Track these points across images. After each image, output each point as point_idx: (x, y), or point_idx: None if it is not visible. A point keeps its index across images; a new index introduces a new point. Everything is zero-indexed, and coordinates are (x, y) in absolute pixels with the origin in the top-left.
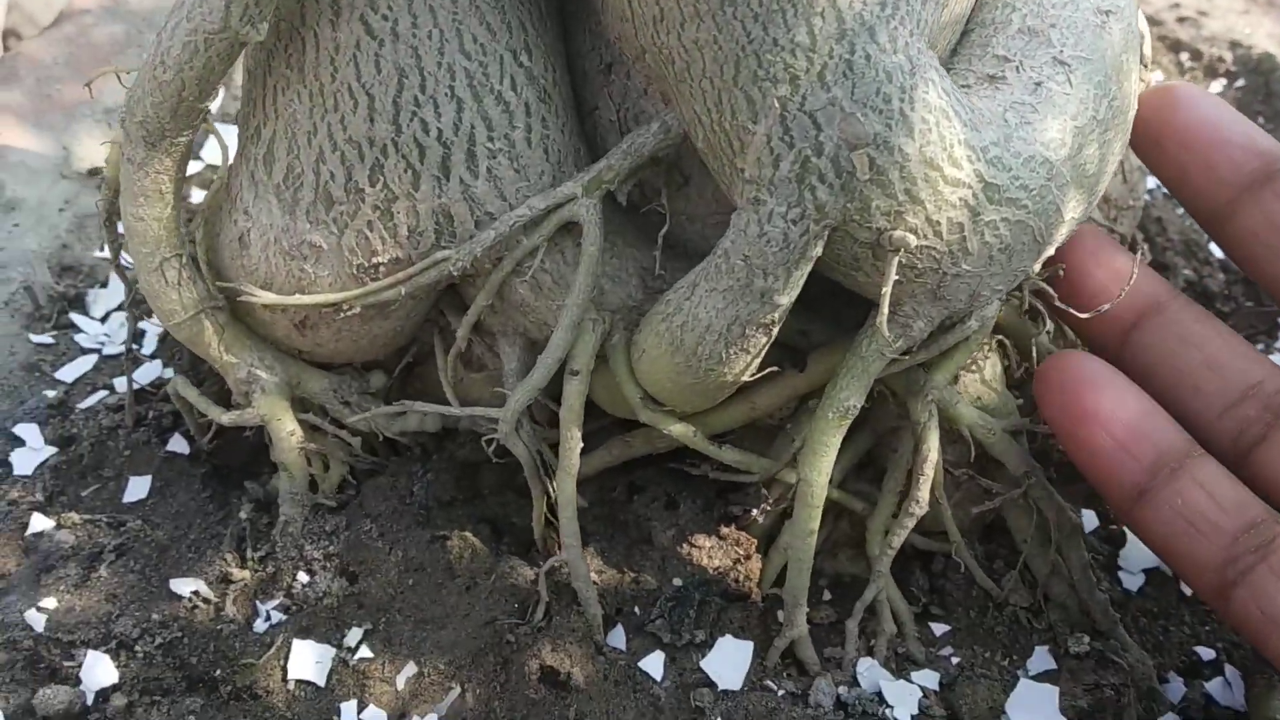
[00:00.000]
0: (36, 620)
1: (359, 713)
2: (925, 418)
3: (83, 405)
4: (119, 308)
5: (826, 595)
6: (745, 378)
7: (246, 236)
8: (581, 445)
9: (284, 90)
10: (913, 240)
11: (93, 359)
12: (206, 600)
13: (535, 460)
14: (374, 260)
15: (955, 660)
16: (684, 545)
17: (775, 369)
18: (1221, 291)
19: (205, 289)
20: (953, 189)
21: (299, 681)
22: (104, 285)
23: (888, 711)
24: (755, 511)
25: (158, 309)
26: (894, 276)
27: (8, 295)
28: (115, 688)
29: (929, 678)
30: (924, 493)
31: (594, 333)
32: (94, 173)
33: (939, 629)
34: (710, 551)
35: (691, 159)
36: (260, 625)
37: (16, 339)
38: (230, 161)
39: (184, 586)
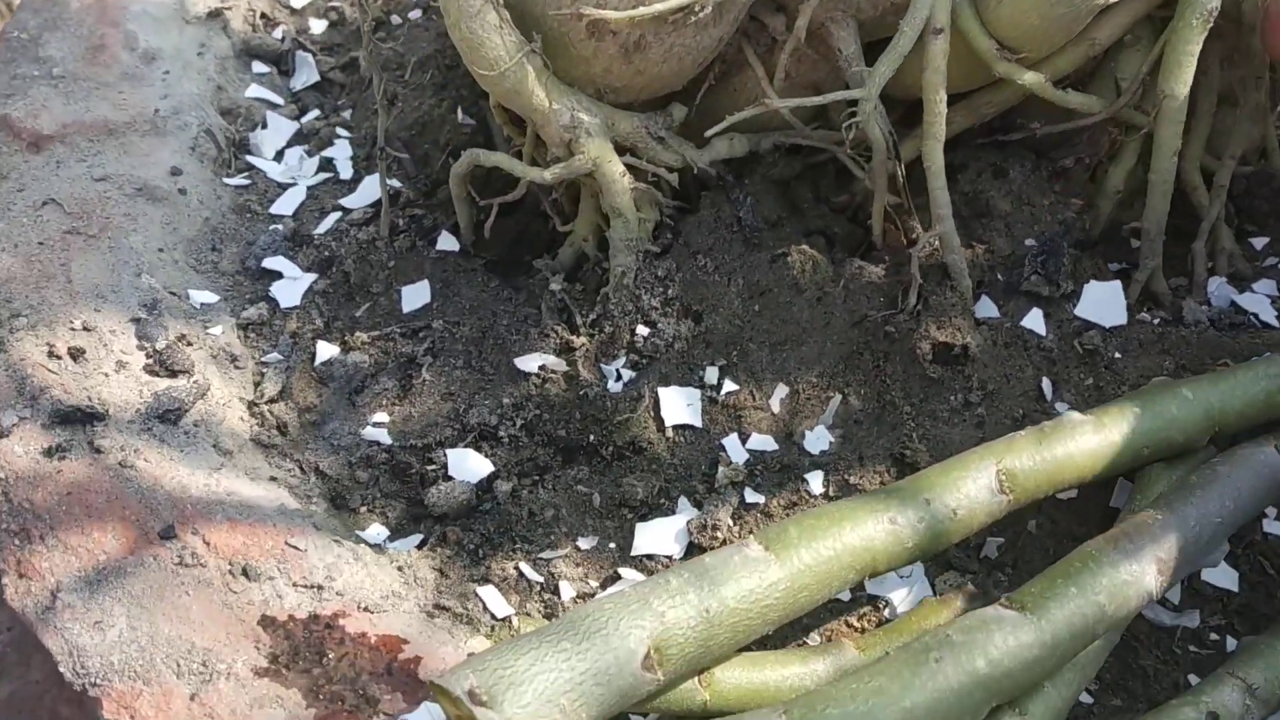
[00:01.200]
0: (378, 435)
1: (744, 443)
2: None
3: (320, 230)
4: (289, 144)
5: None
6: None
7: None
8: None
9: None
10: None
11: (301, 189)
12: (555, 372)
13: (888, 142)
14: None
15: None
16: (1023, 208)
17: None
18: None
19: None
20: None
21: (676, 427)
22: (264, 126)
23: (1252, 318)
24: (1088, 159)
25: (479, 59)
26: None
27: (191, 140)
28: (494, 476)
29: (1268, 286)
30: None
31: None
32: (214, 15)
33: (1258, 243)
34: (1051, 208)
35: None
36: (614, 386)
37: (214, 183)
38: None
39: (529, 363)
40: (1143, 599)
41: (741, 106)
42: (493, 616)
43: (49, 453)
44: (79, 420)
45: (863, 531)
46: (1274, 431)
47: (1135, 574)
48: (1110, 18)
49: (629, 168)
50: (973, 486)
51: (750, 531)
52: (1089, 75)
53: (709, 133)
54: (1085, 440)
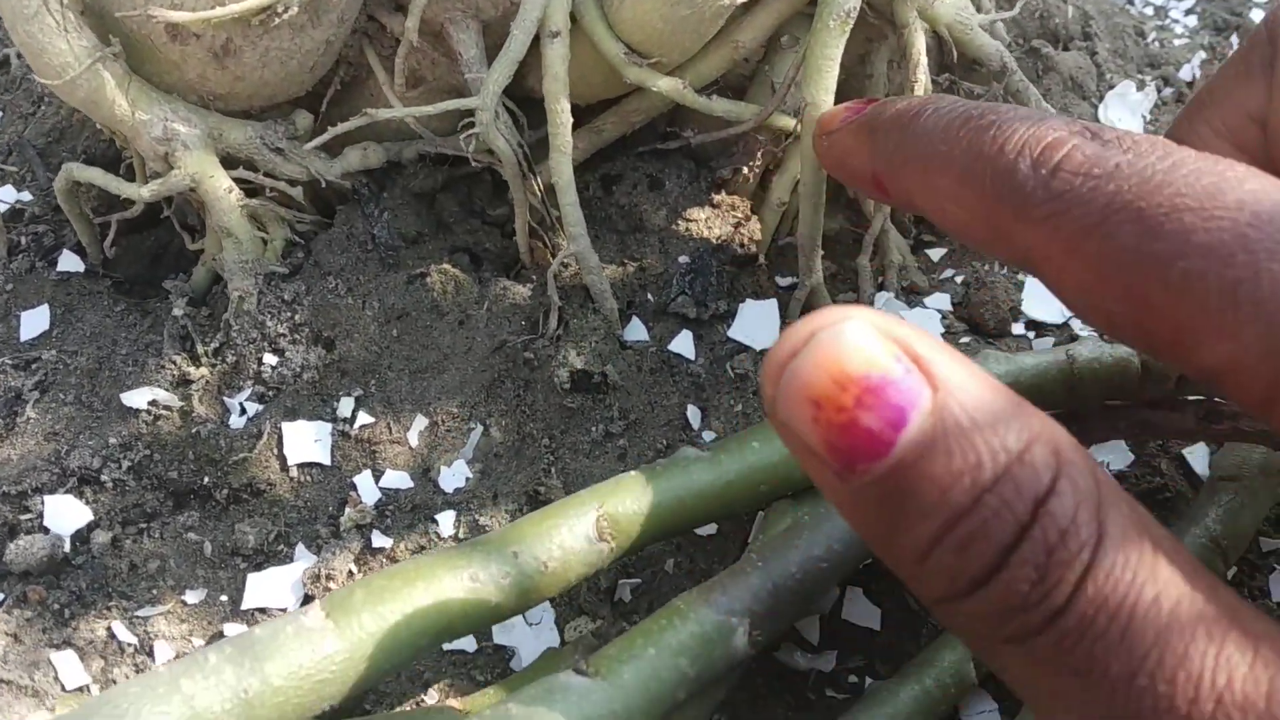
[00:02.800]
0: None
1: (377, 481)
2: (912, 19)
3: None
4: None
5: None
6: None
7: None
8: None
9: None
10: None
11: None
12: (168, 408)
13: (517, 155)
14: None
15: (959, 279)
16: (679, 222)
17: None
18: None
19: (94, 35)
20: None
21: (301, 465)
22: None
23: None
24: (745, 169)
25: (43, 65)
26: None
27: None
28: (93, 525)
29: (941, 300)
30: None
31: None
32: None
33: (935, 255)
34: (707, 222)
35: None
36: (237, 421)
37: None
38: None
39: (138, 399)
40: (731, 659)
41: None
42: (63, 688)
43: None
44: None
45: (437, 591)
46: None
47: (722, 631)
48: (751, 19)
49: (244, 183)
50: (568, 535)
51: None
52: (748, 79)
53: (308, 145)
54: (698, 478)
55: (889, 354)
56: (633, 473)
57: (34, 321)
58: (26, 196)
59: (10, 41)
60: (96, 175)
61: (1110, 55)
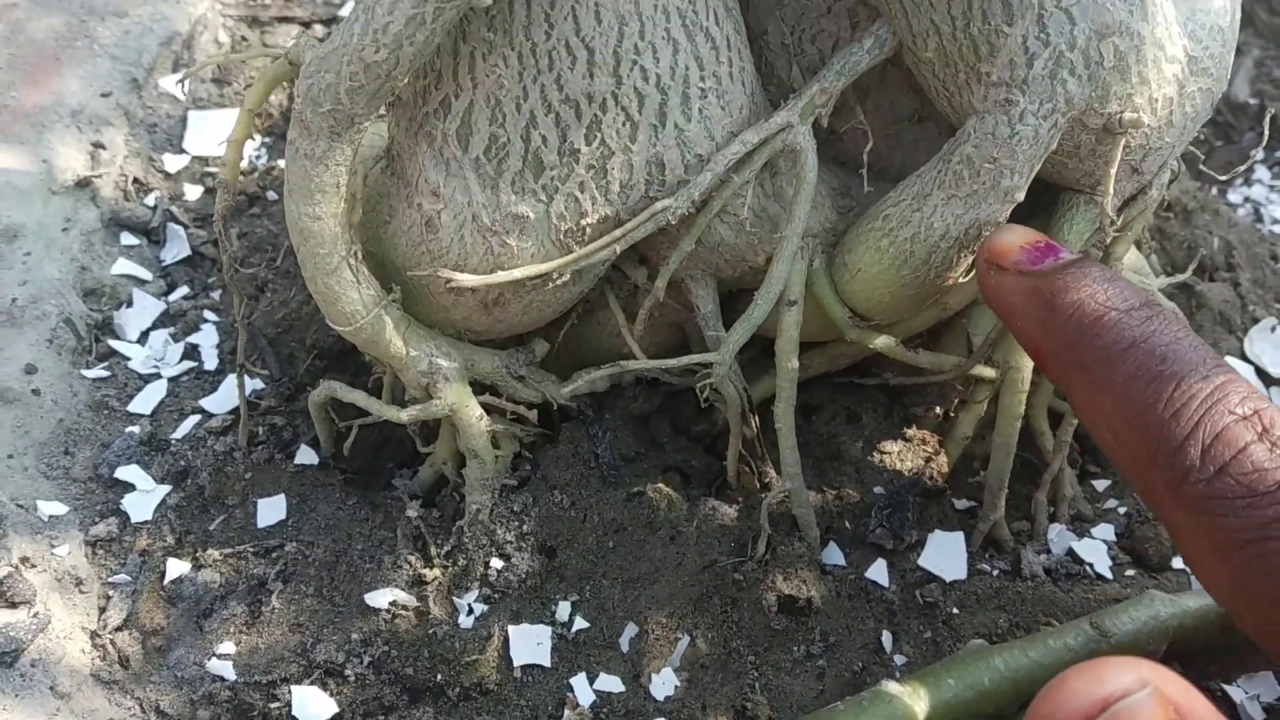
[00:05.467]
0: (223, 669)
1: (592, 684)
2: None
3: (178, 435)
4: (154, 326)
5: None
6: (962, 279)
7: (436, 219)
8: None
9: (485, 56)
10: (1145, 120)
11: (162, 384)
12: (405, 608)
13: (742, 400)
14: (583, 223)
15: (1123, 510)
16: (874, 454)
17: None
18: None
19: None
20: (1170, 66)
21: (524, 667)
22: (129, 305)
23: (1089, 569)
24: (939, 408)
25: (335, 313)
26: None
27: (49, 332)
28: (338, 718)
29: (1106, 531)
30: None
31: (804, 260)
32: (83, 184)
33: (1099, 485)
34: (900, 455)
35: (869, 73)
36: (465, 621)
37: (71, 378)
38: (390, 144)
39: (380, 599)
40: None
41: (605, 340)
42: None
43: None
44: None
45: None
46: None
47: None
48: (962, 286)
49: (487, 406)
50: None
51: None
52: (944, 324)
53: (566, 390)
54: (901, 714)
55: None
56: (841, 706)
57: (270, 510)
58: (259, 385)
59: (231, 219)
60: (359, 398)
61: (1251, 286)
